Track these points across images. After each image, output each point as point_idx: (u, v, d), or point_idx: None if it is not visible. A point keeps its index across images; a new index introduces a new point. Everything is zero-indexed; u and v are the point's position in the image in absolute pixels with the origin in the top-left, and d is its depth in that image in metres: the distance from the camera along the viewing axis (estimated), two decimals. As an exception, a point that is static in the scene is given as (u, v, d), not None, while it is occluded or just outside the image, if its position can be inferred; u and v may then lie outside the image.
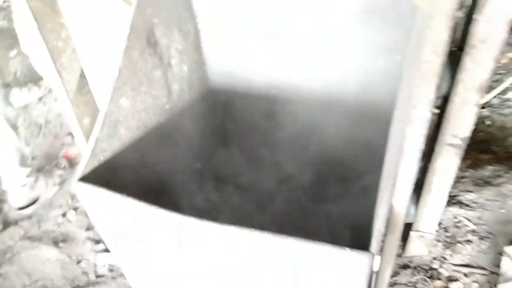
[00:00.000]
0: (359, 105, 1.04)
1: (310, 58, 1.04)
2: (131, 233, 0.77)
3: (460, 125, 1.03)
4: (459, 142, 1.06)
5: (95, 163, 0.77)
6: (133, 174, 0.92)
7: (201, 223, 0.64)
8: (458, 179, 1.67)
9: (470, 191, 1.61)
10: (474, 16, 0.83)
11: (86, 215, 1.60)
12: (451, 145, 1.07)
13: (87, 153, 0.75)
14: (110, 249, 0.88)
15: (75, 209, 1.63)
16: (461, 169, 1.73)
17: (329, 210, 1.10)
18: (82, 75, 0.79)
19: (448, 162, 1.12)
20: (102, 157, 0.78)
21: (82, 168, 0.74)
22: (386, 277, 0.76)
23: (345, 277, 0.65)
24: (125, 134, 0.85)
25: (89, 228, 1.56)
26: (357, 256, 0.60)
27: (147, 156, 0.94)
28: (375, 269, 0.68)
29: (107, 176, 0.81)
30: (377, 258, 0.63)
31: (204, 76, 1.18)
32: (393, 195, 0.61)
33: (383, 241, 0.72)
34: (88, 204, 0.76)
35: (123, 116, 0.83)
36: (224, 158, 1.19)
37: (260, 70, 1.15)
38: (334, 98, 1.05)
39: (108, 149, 0.80)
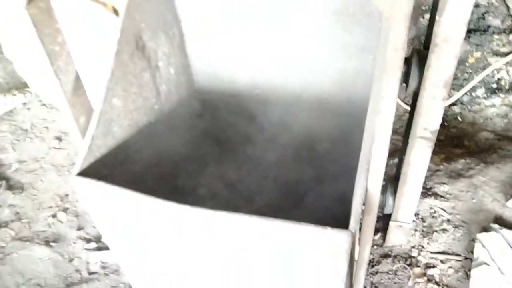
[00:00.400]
0: (335, 102, 1.11)
1: (288, 59, 1.11)
2: (129, 225, 0.82)
3: (430, 119, 1.11)
4: (430, 135, 1.15)
5: (91, 159, 0.82)
6: (126, 171, 0.97)
7: (198, 211, 0.69)
8: (433, 172, 1.76)
9: (445, 183, 1.70)
10: (437, 18, 0.92)
11: (77, 216, 1.64)
12: (423, 137, 1.16)
13: (84, 149, 0.80)
14: (108, 243, 0.93)
15: (65, 210, 1.67)
16: (435, 163, 1.82)
17: (311, 199, 1.17)
18: (77, 77, 0.85)
19: (420, 153, 1.20)
20: (98, 154, 0.84)
21: (79, 164, 0.79)
22: (365, 256, 0.83)
23: (327, 255, 0.71)
24: (118, 132, 0.90)
25: (80, 228, 1.60)
26: (337, 234, 0.66)
27: (139, 153, 1.00)
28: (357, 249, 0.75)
29: (102, 171, 0.87)
30: (356, 235, 0.70)
31: (190, 77, 1.24)
32: (367, 178, 0.68)
33: (361, 222, 0.79)
34: (86, 198, 0.81)
35: (116, 115, 0.89)
36: (210, 155, 1.25)
37: (242, 71, 1.21)
38: (311, 96, 1.13)
39: (103, 146, 0.85)
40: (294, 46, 1.08)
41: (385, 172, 1.79)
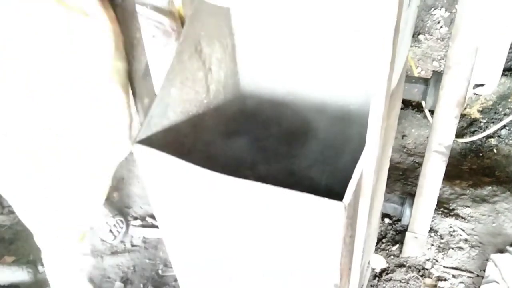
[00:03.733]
0: (359, 114, 1.27)
1: (319, 71, 1.29)
2: (177, 192, 1.00)
3: (444, 134, 1.23)
4: (444, 150, 1.26)
5: (148, 133, 1.03)
6: (174, 149, 1.18)
7: (237, 181, 0.85)
8: (458, 196, 1.84)
9: (468, 206, 1.77)
10: (450, 44, 1.06)
11: (128, 197, 1.87)
12: (437, 151, 1.28)
13: (144, 124, 1.01)
14: (156, 210, 1.12)
15: (118, 190, 1.91)
16: (462, 187, 1.89)
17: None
18: (147, 65, 1.07)
19: (435, 167, 1.32)
20: (154, 129, 1.05)
21: (140, 134, 1.00)
22: (361, 236, 0.96)
23: (322, 226, 0.85)
24: (172, 116, 1.11)
25: (129, 207, 1.83)
26: (331, 204, 0.81)
27: (186, 138, 1.20)
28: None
29: (155, 145, 1.07)
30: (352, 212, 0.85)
31: (237, 82, 1.45)
32: (364, 163, 0.82)
33: (357, 203, 0.93)
34: (143, 163, 1.01)
35: (172, 102, 1.10)
36: (242, 149, 1.43)
37: (280, 81, 1.40)
38: (337, 106, 1.29)
39: (159, 124, 1.06)
40: (325, 61, 1.26)
41: (406, 189, 1.88)
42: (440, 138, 1.24)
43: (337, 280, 0.96)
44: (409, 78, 1.25)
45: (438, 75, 1.18)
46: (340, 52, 1.21)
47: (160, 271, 1.61)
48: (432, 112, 1.24)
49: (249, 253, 1.05)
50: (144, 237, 1.71)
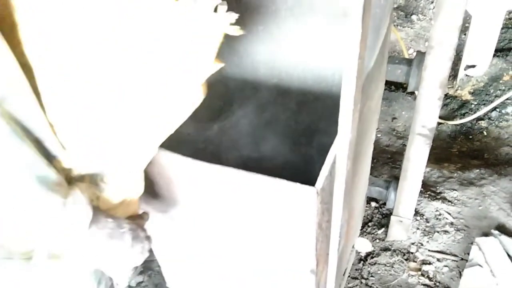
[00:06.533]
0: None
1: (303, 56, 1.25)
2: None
3: (427, 117, 1.20)
4: (427, 132, 1.24)
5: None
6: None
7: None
8: (446, 179, 1.82)
9: (455, 190, 1.75)
10: (432, 23, 1.02)
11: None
12: (420, 134, 1.25)
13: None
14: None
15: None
16: (450, 170, 1.88)
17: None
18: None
19: (419, 150, 1.29)
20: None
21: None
22: (337, 219, 0.94)
23: (296, 211, 0.83)
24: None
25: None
26: (304, 189, 0.79)
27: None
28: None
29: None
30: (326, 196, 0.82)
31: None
32: (337, 147, 0.79)
33: (332, 188, 0.91)
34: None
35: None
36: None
37: (263, 65, 1.36)
38: (321, 88, 1.27)
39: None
40: (311, 46, 1.22)
41: (394, 172, 1.86)
42: (423, 121, 1.22)
43: (313, 266, 0.95)
44: (392, 58, 1.21)
45: (421, 56, 1.15)
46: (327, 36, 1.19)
47: (143, 256, 1.60)
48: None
49: (226, 239, 1.03)
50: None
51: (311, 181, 0.80)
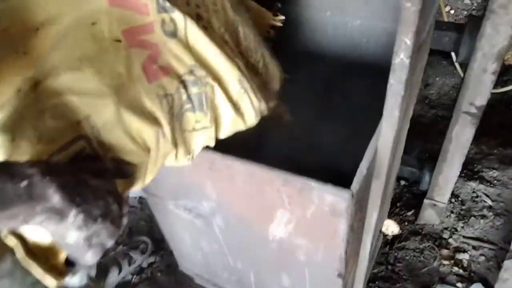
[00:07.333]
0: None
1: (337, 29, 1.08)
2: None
3: (477, 93, 1.03)
4: (475, 111, 1.07)
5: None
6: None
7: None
8: (484, 156, 1.66)
9: (494, 169, 1.59)
10: (496, -19, 0.83)
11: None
12: (467, 113, 1.08)
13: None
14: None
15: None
16: (490, 146, 1.70)
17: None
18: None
19: (463, 130, 1.13)
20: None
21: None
22: (372, 222, 0.81)
23: (328, 211, 0.71)
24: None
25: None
26: (338, 192, 0.66)
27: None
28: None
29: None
30: (357, 196, 0.69)
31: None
32: (378, 140, 0.65)
33: (369, 185, 0.77)
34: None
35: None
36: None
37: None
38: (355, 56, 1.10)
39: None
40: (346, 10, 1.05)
41: (426, 147, 1.70)
42: (472, 97, 1.05)
43: (342, 269, 0.83)
44: (438, 24, 1.03)
45: (475, 22, 0.96)
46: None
47: (156, 235, 1.51)
48: (462, 65, 1.03)
49: (250, 236, 0.92)
50: (140, 197, 1.59)
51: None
